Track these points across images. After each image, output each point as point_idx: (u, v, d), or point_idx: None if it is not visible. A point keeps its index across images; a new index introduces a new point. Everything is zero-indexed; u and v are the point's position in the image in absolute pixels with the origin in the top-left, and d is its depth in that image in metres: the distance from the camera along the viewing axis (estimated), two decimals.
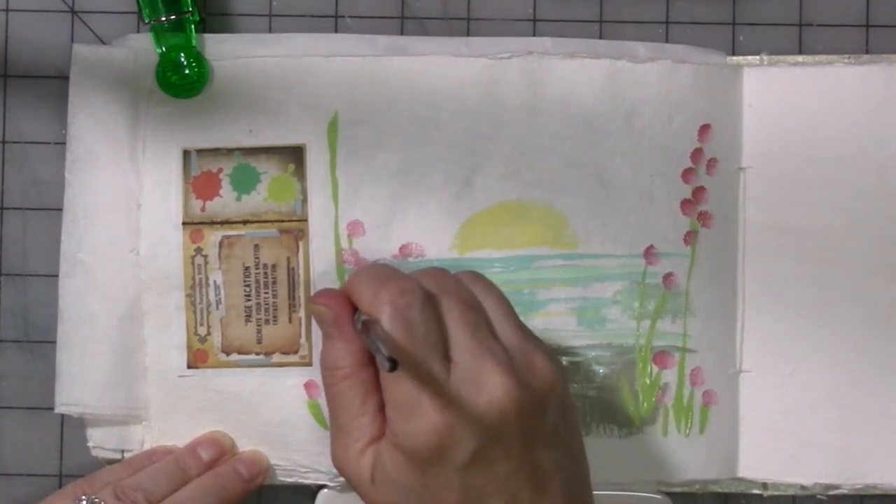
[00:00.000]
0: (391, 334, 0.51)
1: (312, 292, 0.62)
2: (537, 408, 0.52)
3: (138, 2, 0.61)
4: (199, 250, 0.62)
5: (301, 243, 0.62)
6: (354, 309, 0.55)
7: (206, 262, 0.62)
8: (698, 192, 0.62)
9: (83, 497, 0.56)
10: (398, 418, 0.52)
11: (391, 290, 0.52)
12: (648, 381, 0.62)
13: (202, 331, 0.62)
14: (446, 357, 0.52)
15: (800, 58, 0.64)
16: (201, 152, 0.62)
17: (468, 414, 0.51)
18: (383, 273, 0.55)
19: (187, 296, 0.62)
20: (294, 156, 0.62)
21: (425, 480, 0.52)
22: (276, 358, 0.62)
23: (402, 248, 0.62)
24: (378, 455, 0.53)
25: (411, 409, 0.51)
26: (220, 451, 0.62)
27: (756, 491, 0.64)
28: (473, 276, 0.56)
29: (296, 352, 0.62)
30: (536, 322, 0.62)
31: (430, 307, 0.52)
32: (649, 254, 0.62)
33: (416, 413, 0.51)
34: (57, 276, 0.62)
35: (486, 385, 0.51)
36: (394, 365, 0.48)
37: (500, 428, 0.51)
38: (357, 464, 0.54)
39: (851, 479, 0.63)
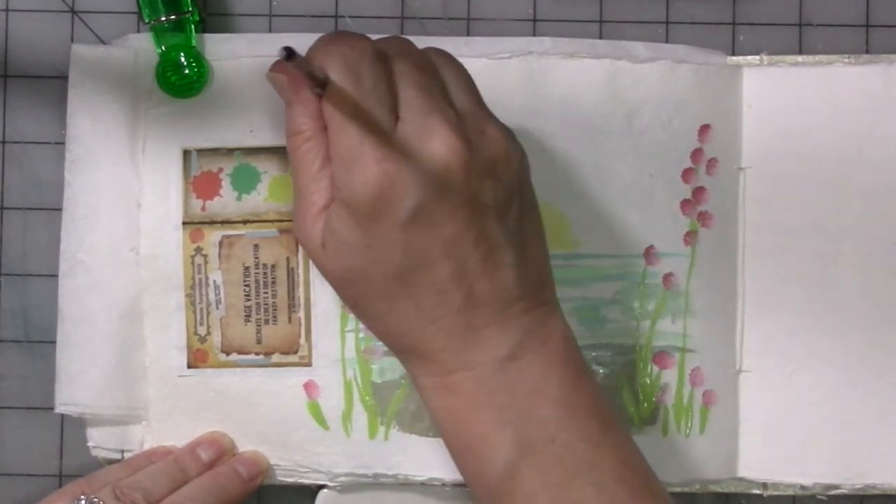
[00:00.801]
0: (339, 83, 0.51)
1: (312, 293, 0.62)
2: (485, 172, 0.51)
3: (138, 2, 0.61)
4: (198, 250, 0.62)
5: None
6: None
7: (205, 262, 0.62)
8: (698, 192, 0.62)
9: (82, 497, 0.56)
10: (341, 169, 0.51)
11: (341, 44, 0.51)
12: (648, 382, 0.62)
13: (202, 331, 0.62)
14: (394, 114, 0.51)
15: (800, 58, 0.64)
16: (201, 152, 0.62)
17: (410, 166, 0.50)
18: (340, 33, 0.53)
19: (187, 296, 0.62)
20: None
21: (368, 238, 0.51)
22: (276, 358, 0.62)
23: None
24: (328, 217, 0.52)
25: (353, 160, 0.50)
26: (220, 451, 0.62)
27: (756, 491, 0.64)
28: (437, 49, 0.55)
29: (295, 352, 0.62)
30: None
31: (381, 64, 0.52)
32: (649, 254, 0.62)
33: (357, 163, 0.50)
34: (57, 276, 0.62)
35: (431, 140, 0.50)
36: (290, 54, 0.46)
37: (443, 184, 0.50)
38: (312, 227, 0.53)
39: (851, 479, 0.63)
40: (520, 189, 0.53)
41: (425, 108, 0.51)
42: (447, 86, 0.53)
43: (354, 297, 0.54)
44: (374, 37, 0.54)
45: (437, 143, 0.50)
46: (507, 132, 0.53)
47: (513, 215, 0.53)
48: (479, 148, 0.51)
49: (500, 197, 0.52)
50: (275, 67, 0.54)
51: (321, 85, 0.49)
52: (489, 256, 0.52)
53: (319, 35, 0.53)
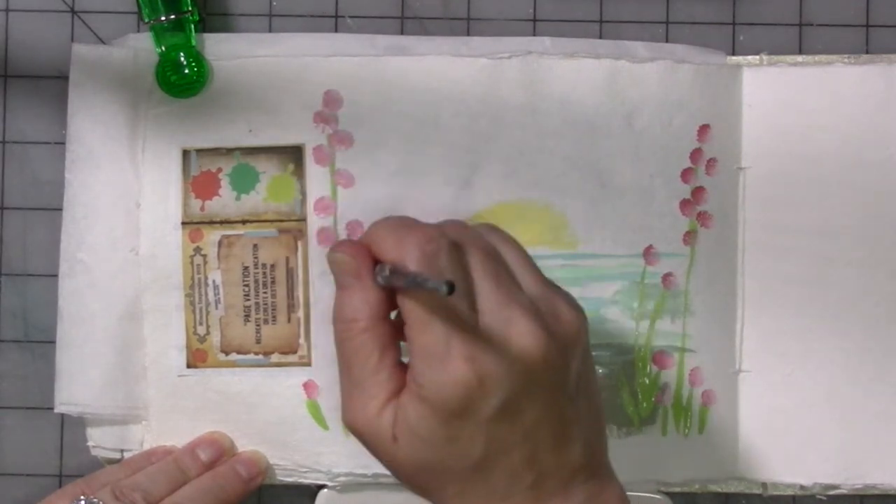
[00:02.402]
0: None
1: (311, 292, 0.62)
2: (564, 356, 0.50)
3: (138, 1, 0.61)
4: (198, 250, 0.62)
5: (300, 243, 0.62)
6: (374, 261, 0.52)
7: (205, 262, 0.62)
8: (698, 192, 0.62)
9: (82, 497, 0.56)
10: (425, 367, 0.49)
11: (417, 237, 0.50)
12: (648, 381, 0.62)
13: (201, 330, 0.62)
14: (473, 307, 0.50)
15: (799, 58, 0.64)
16: (201, 152, 0.62)
17: (498, 363, 0.49)
18: (406, 221, 0.52)
19: (186, 295, 0.62)
20: (293, 155, 0.62)
21: (451, 433, 0.49)
22: (275, 358, 0.62)
23: None
24: (400, 410, 0.50)
25: (440, 359, 0.48)
26: (219, 451, 0.62)
27: (756, 491, 0.64)
28: (490, 226, 0.54)
29: (295, 352, 0.62)
30: None
31: (455, 255, 0.50)
32: (648, 254, 0.62)
33: (445, 362, 0.48)
34: (57, 276, 0.62)
35: (515, 334, 0.49)
36: (451, 287, 0.45)
37: (529, 377, 0.49)
38: (377, 421, 0.51)
39: (851, 479, 0.63)
40: (585, 359, 0.53)
41: (503, 299, 0.50)
42: (511, 268, 0.52)
43: (423, 483, 0.52)
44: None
45: (520, 337, 0.49)
46: (575, 305, 0.52)
47: (581, 388, 0.52)
48: (557, 334, 0.50)
49: (573, 375, 0.51)
50: (339, 248, 0.52)
51: (448, 284, 0.46)
52: (561, 434, 0.51)
53: (381, 219, 0.52)
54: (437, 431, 0.49)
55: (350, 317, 0.51)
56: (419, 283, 0.47)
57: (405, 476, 0.52)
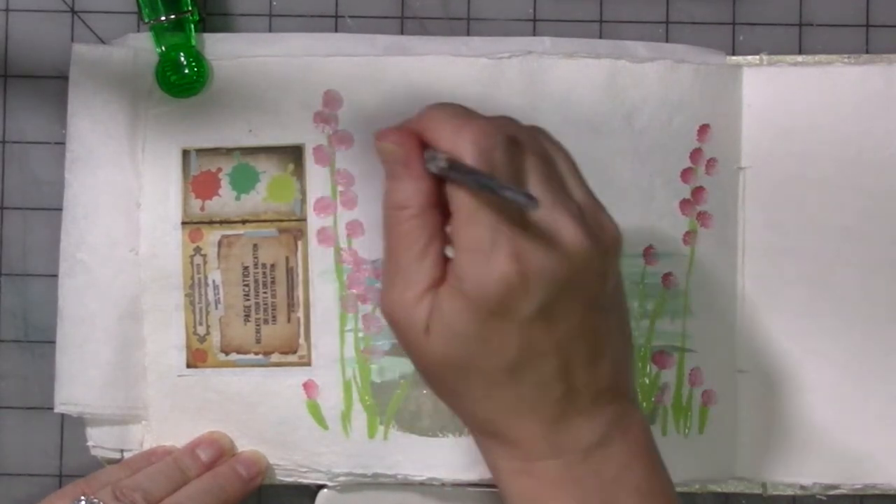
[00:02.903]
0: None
1: (311, 292, 0.62)
2: (603, 266, 0.50)
3: (138, 1, 0.61)
4: (198, 250, 0.62)
5: (300, 243, 0.62)
6: (423, 147, 0.50)
7: (205, 262, 0.62)
8: (697, 191, 0.62)
9: (82, 497, 0.56)
10: (468, 261, 0.48)
11: (475, 130, 0.48)
12: (647, 381, 0.62)
13: (201, 330, 0.62)
14: None
15: (799, 58, 0.64)
16: (201, 152, 0.62)
17: (542, 264, 0.47)
18: (462, 111, 0.50)
19: (186, 295, 0.62)
20: (293, 155, 0.62)
21: (485, 332, 0.48)
22: (275, 358, 0.62)
23: None
24: (437, 301, 0.49)
25: (485, 254, 0.47)
26: (219, 451, 0.62)
27: (756, 491, 0.64)
28: (541, 130, 0.53)
29: (294, 352, 0.62)
30: None
31: (511, 151, 0.49)
32: (648, 254, 0.62)
33: (490, 258, 0.47)
34: (57, 276, 0.62)
35: (561, 237, 0.48)
36: (533, 200, 0.45)
37: (571, 281, 0.48)
38: (413, 309, 0.49)
39: (851, 479, 0.63)
40: (618, 274, 0.52)
41: (552, 200, 0.49)
42: (562, 175, 0.51)
43: (449, 382, 0.51)
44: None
45: (567, 240, 0.48)
46: (615, 223, 0.51)
47: (615, 306, 0.52)
48: (600, 241, 0.49)
49: (609, 288, 0.51)
50: (388, 137, 0.50)
51: (529, 197, 0.46)
52: (594, 349, 0.50)
53: (435, 105, 0.51)
54: (472, 328, 0.48)
55: (400, 203, 0.50)
56: (491, 186, 0.46)
57: (432, 372, 0.51)
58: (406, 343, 0.51)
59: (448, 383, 0.51)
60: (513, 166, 0.49)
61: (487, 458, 0.53)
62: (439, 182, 0.49)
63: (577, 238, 0.48)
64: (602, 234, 0.50)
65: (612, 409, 0.51)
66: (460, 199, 0.48)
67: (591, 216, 0.50)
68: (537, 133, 0.52)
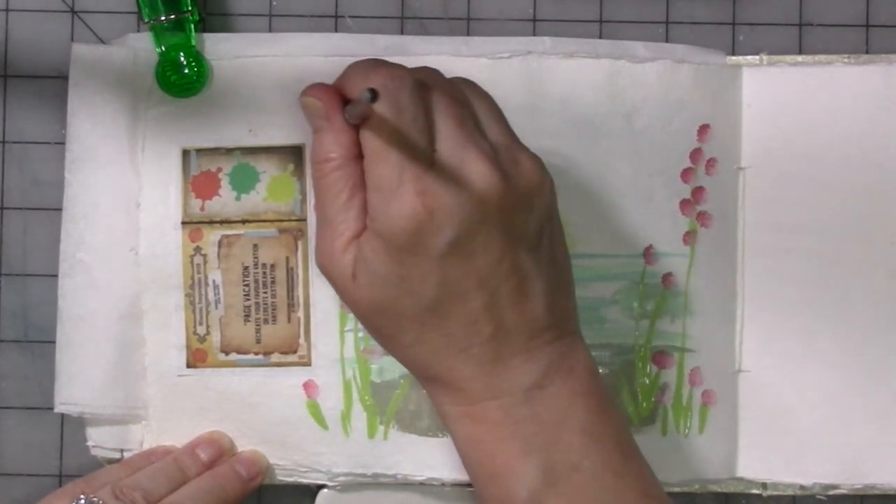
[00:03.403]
0: (380, 112, 0.50)
1: (311, 292, 0.62)
2: (520, 204, 0.51)
3: (138, 1, 0.61)
4: (198, 249, 0.62)
5: (300, 243, 0.62)
6: (345, 102, 0.53)
7: (205, 262, 0.62)
8: (697, 191, 0.62)
9: (82, 497, 0.56)
10: (378, 200, 0.50)
11: (382, 74, 0.51)
12: (647, 381, 0.62)
13: (201, 330, 0.62)
14: (431, 146, 0.51)
15: (799, 58, 0.64)
16: (201, 152, 0.62)
17: (448, 199, 0.50)
18: (376, 60, 0.53)
19: (186, 295, 0.62)
20: (293, 155, 0.62)
21: (402, 271, 0.51)
22: (275, 358, 0.62)
23: None
24: (359, 247, 0.52)
25: (392, 191, 0.50)
26: (219, 451, 0.62)
27: (756, 491, 0.64)
28: (465, 79, 0.55)
29: (294, 352, 0.62)
30: None
31: (419, 93, 0.51)
32: (648, 254, 0.62)
33: (396, 194, 0.50)
34: (57, 276, 0.62)
35: (468, 173, 0.50)
36: (374, 95, 0.47)
37: (481, 218, 0.50)
38: (340, 258, 0.52)
39: (851, 479, 0.63)
40: (549, 219, 0.54)
41: (461, 140, 0.51)
42: (478, 117, 0.53)
43: (383, 328, 0.53)
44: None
45: (474, 175, 0.50)
46: (539, 162, 0.53)
47: (543, 245, 0.53)
48: (514, 179, 0.51)
49: (532, 227, 0.52)
50: (309, 92, 0.53)
51: (371, 91, 0.48)
52: (521, 287, 0.52)
53: (352, 61, 0.54)
54: (390, 268, 0.51)
55: (323, 156, 0.53)
56: (356, 105, 0.49)
57: (364, 318, 0.53)
58: (340, 292, 0.53)
59: (383, 329, 0.53)
60: (421, 106, 0.51)
61: (435, 404, 0.55)
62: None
63: (485, 175, 0.50)
64: (516, 171, 0.51)
65: (551, 349, 0.53)
66: (368, 140, 0.51)
67: (507, 155, 0.52)
68: (461, 82, 0.54)
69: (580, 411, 0.53)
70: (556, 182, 0.62)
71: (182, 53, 0.61)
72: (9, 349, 0.64)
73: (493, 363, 0.52)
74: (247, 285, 0.62)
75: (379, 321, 0.53)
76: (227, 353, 0.62)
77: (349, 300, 0.53)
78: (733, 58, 0.64)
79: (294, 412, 0.62)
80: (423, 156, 0.50)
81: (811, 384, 0.63)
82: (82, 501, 0.56)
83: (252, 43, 0.63)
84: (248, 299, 0.62)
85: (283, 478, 0.63)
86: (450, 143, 0.51)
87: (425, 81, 0.52)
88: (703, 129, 0.62)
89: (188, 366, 0.62)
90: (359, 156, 0.52)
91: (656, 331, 0.62)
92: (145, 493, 0.57)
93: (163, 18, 0.61)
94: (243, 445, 0.62)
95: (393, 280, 0.51)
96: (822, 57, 0.64)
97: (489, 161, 0.50)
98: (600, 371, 0.61)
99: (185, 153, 0.62)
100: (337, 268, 0.53)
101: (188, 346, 0.62)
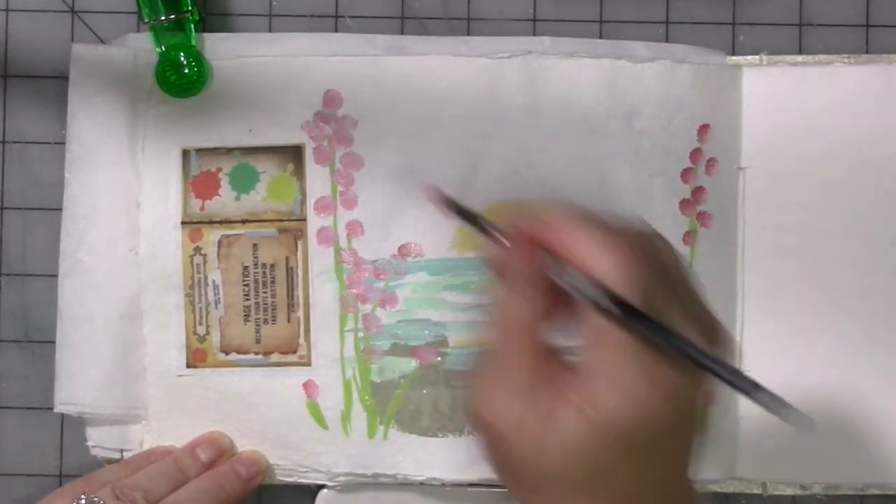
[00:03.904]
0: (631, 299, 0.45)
1: (311, 292, 0.62)
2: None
3: (138, 1, 0.61)
4: (198, 249, 0.62)
5: (300, 243, 0.62)
6: (541, 252, 0.47)
7: (204, 262, 0.62)
8: (697, 191, 0.62)
9: (82, 496, 0.56)
10: (607, 386, 0.44)
11: (626, 255, 0.45)
12: None
13: (201, 330, 0.62)
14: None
15: (799, 58, 0.64)
16: (201, 152, 0.62)
17: (682, 392, 0.46)
18: (604, 226, 0.46)
19: (186, 295, 0.62)
20: (293, 155, 0.62)
21: (603, 463, 0.45)
22: (275, 357, 0.62)
23: (401, 247, 0.62)
24: (553, 419, 0.45)
25: (633, 378, 0.44)
26: (219, 451, 0.62)
27: (756, 491, 0.64)
28: (656, 234, 0.50)
29: (294, 351, 0.62)
30: None
31: (659, 280, 0.46)
32: None
33: (637, 390, 0.44)
34: (57, 276, 0.62)
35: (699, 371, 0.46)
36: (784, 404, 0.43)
37: (689, 415, 0.47)
38: (518, 422, 0.45)
39: (851, 479, 0.63)
40: None
41: (681, 319, 0.45)
42: (675, 283, 0.47)
43: (555, 497, 0.47)
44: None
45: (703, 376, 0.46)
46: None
47: None
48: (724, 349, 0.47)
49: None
50: (512, 252, 0.47)
51: (676, 347, 0.43)
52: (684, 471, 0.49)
53: (568, 210, 0.47)
54: (596, 454, 0.45)
55: (516, 317, 0.47)
56: (653, 329, 0.44)
57: (524, 485, 0.47)
58: (497, 449, 0.47)
59: (551, 497, 0.47)
60: (665, 299, 0.45)
61: None
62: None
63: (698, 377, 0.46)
64: (725, 344, 0.47)
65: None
66: (599, 322, 0.45)
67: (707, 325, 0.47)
68: (654, 241, 0.49)
69: None
70: (556, 182, 0.62)
71: (182, 53, 0.61)
72: (9, 349, 0.64)
73: None
74: (246, 285, 0.62)
75: (556, 492, 0.47)
76: (226, 353, 0.62)
77: (513, 462, 0.46)
78: (733, 58, 0.64)
79: (294, 412, 0.62)
80: (649, 338, 0.45)
81: (811, 384, 0.63)
82: (82, 500, 0.56)
83: (252, 43, 0.63)
84: (248, 299, 0.62)
85: (282, 478, 0.63)
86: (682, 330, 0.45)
87: (651, 258, 0.47)
88: (703, 129, 0.62)
89: (188, 366, 0.62)
90: (551, 315, 0.47)
91: None
92: (145, 492, 0.57)
93: (163, 18, 0.61)
94: (243, 445, 0.62)
95: (595, 466, 0.45)
96: (822, 57, 0.64)
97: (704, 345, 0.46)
98: None
99: (185, 153, 0.62)
100: (511, 430, 0.46)
101: (188, 346, 0.62)
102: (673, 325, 0.45)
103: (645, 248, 0.46)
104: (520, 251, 0.46)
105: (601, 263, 0.45)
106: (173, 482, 0.59)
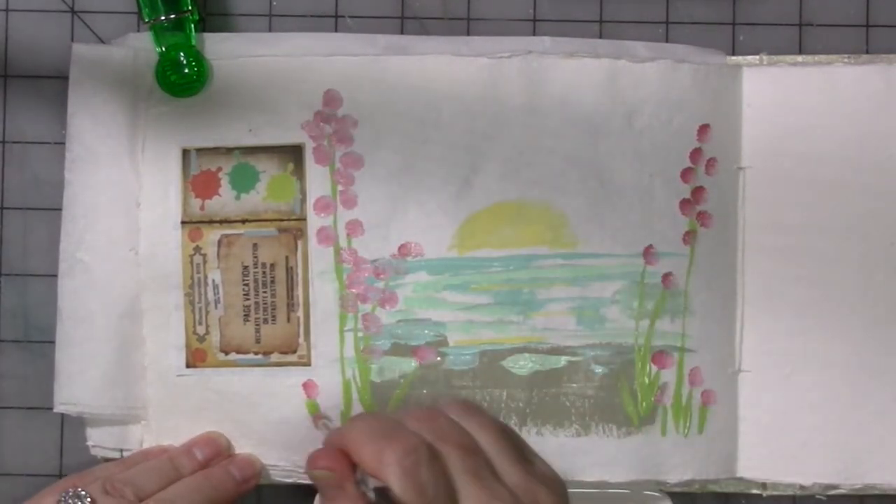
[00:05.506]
0: (403, 498, 0.50)
1: (311, 292, 0.62)
2: None
3: (138, 1, 0.61)
4: (197, 249, 0.62)
5: (300, 242, 0.62)
6: (353, 464, 0.52)
7: (204, 261, 0.62)
8: (697, 191, 0.62)
9: (70, 489, 0.56)
10: None
11: (396, 450, 0.50)
12: (647, 381, 0.62)
13: (201, 330, 0.62)
14: None
15: (799, 58, 0.64)
16: (201, 151, 0.62)
17: None
18: (381, 429, 0.52)
19: (186, 295, 0.62)
20: (293, 155, 0.62)
21: None
22: (275, 357, 0.62)
23: (401, 247, 0.62)
24: None
25: None
26: (216, 451, 0.61)
27: (755, 491, 0.64)
28: (465, 409, 0.55)
29: (294, 351, 0.62)
30: (536, 321, 0.62)
31: (435, 461, 0.51)
32: (648, 253, 0.62)
33: None
34: (57, 276, 0.62)
35: None
36: (384, 496, 0.48)
37: None
38: None
39: (851, 479, 0.63)
40: None
41: (484, 499, 0.50)
42: (491, 459, 0.52)
43: None
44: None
45: None
46: (554, 489, 0.53)
47: None
48: None
49: None
50: (319, 462, 0.52)
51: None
52: None
53: (358, 419, 0.53)
54: None
55: None
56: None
57: None
58: None
59: None
60: (440, 476, 0.50)
61: None
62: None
63: None
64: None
65: None
66: None
67: (526, 498, 0.51)
68: (463, 414, 0.53)
69: None
70: (556, 182, 0.62)
71: (182, 53, 0.61)
72: (9, 349, 0.64)
73: None
74: (246, 285, 0.62)
75: None
76: (226, 353, 0.62)
77: None
78: (733, 58, 0.64)
79: (294, 412, 0.62)
80: None
81: (811, 384, 0.63)
82: (70, 493, 0.56)
83: (252, 43, 0.63)
84: (248, 299, 0.62)
85: (282, 478, 0.63)
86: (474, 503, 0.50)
87: (433, 439, 0.52)
88: (703, 129, 0.62)
89: (188, 365, 0.62)
90: None
91: (656, 331, 0.62)
92: (136, 488, 0.57)
93: (163, 18, 0.61)
94: (242, 446, 0.62)
95: None
96: (822, 57, 0.64)
97: None
98: (600, 371, 0.62)
99: (185, 153, 0.62)
100: None
101: (188, 346, 0.62)
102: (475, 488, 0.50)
103: (424, 435, 0.51)
104: (330, 469, 0.52)
105: (375, 465, 0.50)
106: (166, 479, 0.59)
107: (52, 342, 0.63)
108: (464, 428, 0.53)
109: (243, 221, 0.62)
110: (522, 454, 0.54)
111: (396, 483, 0.49)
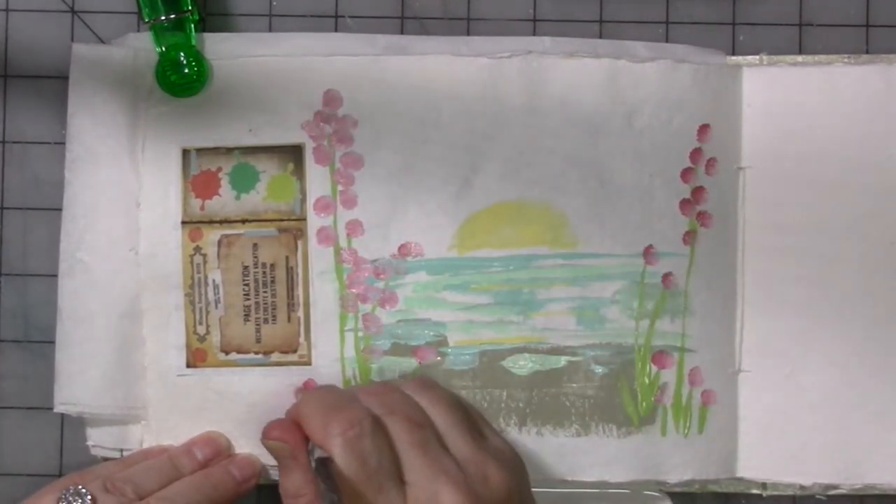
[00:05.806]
0: (344, 468, 0.52)
1: (311, 292, 0.62)
2: None
3: (138, 1, 0.61)
4: (198, 249, 0.62)
5: (300, 242, 0.62)
6: (306, 436, 0.55)
7: (204, 261, 0.62)
8: (697, 191, 0.62)
9: (70, 487, 0.56)
10: None
11: (340, 422, 0.53)
12: (647, 381, 0.62)
13: (201, 330, 0.62)
14: (401, 480, 0.53)
15: (799, 58, 0.64)
16: (201, 151, 0.62)
17: None
18: (331, 401, 0.55)
19: (186, 295, 0.62)
20: (293, 155, 0.62)
21: None
22: (275, 357, 0.62)
23: (401, 247, 0.62)
24: None
25: None
26: (216, 450, 0.61)
27: (755, 491, 0.64)
28: (421, 385, 0.57)
29: (294, 351, 0.62)
30: (536, 321, 0.62)
31: (379, 433, 0.53)
32: (648, 253, 0.62)
33: None
34: (57, 276, 0.62)
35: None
36: (326, 464, 0.51)
37: None
38: None
39: (850, 479, 0.63)
40: None
41: (429, 470, 0.52)
42: (440, 432, 0.54)
43: None
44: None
45: None
46: (505, 462, 0.55)
47: None
48: (484, 498, 0.53)
49: None
50: (272, 434, 0.56)
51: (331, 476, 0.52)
52: None
53: (310, 392, 0.57)
54: None
55: (294, 493, 0.56)
56: (324, 493, 0.52)
57: None
58: None
59: None
60: (384, 447, 0.53)
61: None
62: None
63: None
64: (487, 489, 0.53)
65: None
66: (343, 487, 0.52)
67: (475, 471, 0.53)
68: (417, 390, 0.56)
69: None
70: (556, 182, 0.62)
71: (182, 53, 0.61)
72: (9, 349, 0.64)
73: None
74: (247, 285, 0.62)
75: None
76: (226, 353, 0.62)
77: None
78: (733, 58, 0.64)
79: None
80: (395, 499, 0.52)
81: (810, 384, 0.63)
82: (70, 491, 0.56)
83: (252, 43, 0.63)
84: (248, 299, 0.62)
85: None
86: (419, 475, 0.52)
87: (381, 412, 0.54)
88: (703, 129, 0.62)
89: (188, 365, 0.62)
90: None
91: (656, 331, 0.62)
92: (136, 486, 0.57)
93: (163, 18, 0.61)
94: (243, 445, 0.62)
95: None
96: (822, 57, 0.64)
97: (460, 489, 0.52)
98: (600, 371, 0.62)
99: (185, 153, 0.62)
100: None
101: (188, 346, 0.62)
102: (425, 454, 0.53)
103: (371, 408, 0.54)
104: (283, 440, 0.56)
105: (321, 436, 0.53)
106: (166, 478, 0.59)
107: (52, 342, 0.63)
108: (416, 402, 0.55)
109: (243, 221, 0.62)
110: (476, 429, 0.55)
111: (339, 454, 0.52)
